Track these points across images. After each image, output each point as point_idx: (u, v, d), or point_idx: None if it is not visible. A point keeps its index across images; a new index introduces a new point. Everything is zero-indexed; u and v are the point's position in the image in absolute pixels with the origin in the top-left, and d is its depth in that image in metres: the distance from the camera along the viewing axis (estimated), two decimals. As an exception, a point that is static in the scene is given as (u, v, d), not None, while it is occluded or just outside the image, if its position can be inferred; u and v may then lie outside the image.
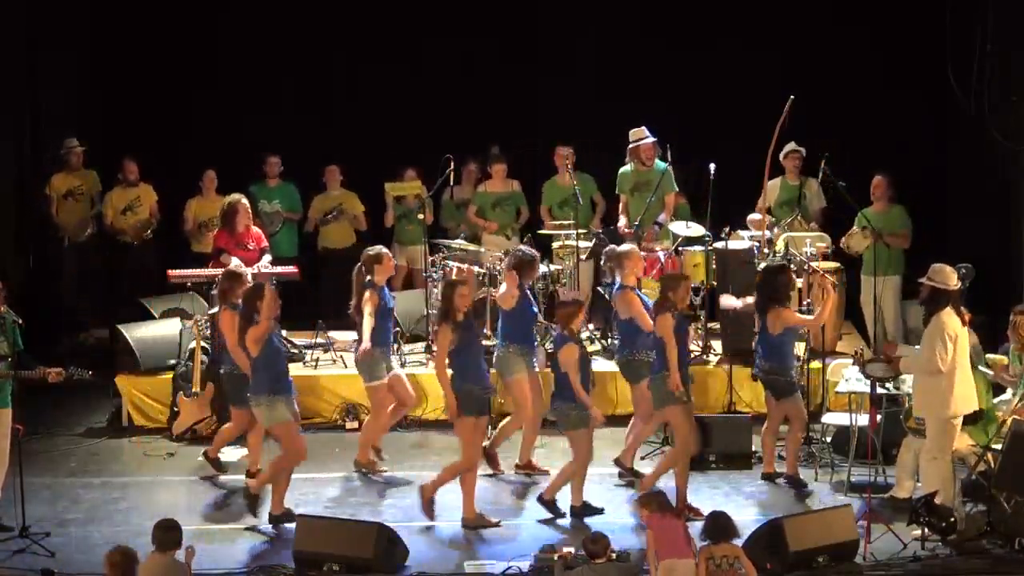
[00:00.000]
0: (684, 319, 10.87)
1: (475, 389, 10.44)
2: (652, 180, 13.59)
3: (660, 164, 13.64)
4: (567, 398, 10.47)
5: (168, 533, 8.69)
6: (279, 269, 13.35)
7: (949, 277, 10.31)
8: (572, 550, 9.32)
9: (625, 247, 11.73)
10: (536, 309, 11.79)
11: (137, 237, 14.78)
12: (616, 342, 11.73)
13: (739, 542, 9.24)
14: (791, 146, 13.95)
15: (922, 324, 10.50)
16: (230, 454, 12.12)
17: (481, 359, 10.63)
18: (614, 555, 9.07)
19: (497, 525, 10.52)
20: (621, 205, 13.94)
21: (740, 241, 13.34)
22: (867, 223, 13.22)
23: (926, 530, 9.92)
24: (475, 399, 10.45)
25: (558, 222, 13.97)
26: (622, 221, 13.77)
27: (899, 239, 13.47)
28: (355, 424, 12.65)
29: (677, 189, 13.83)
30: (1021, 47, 13.34)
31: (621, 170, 13.91)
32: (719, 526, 9.01)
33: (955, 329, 10.17)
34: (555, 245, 13.80)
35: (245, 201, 13.43)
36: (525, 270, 11.43)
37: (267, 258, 13.36)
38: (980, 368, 10.67)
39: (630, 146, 13.76)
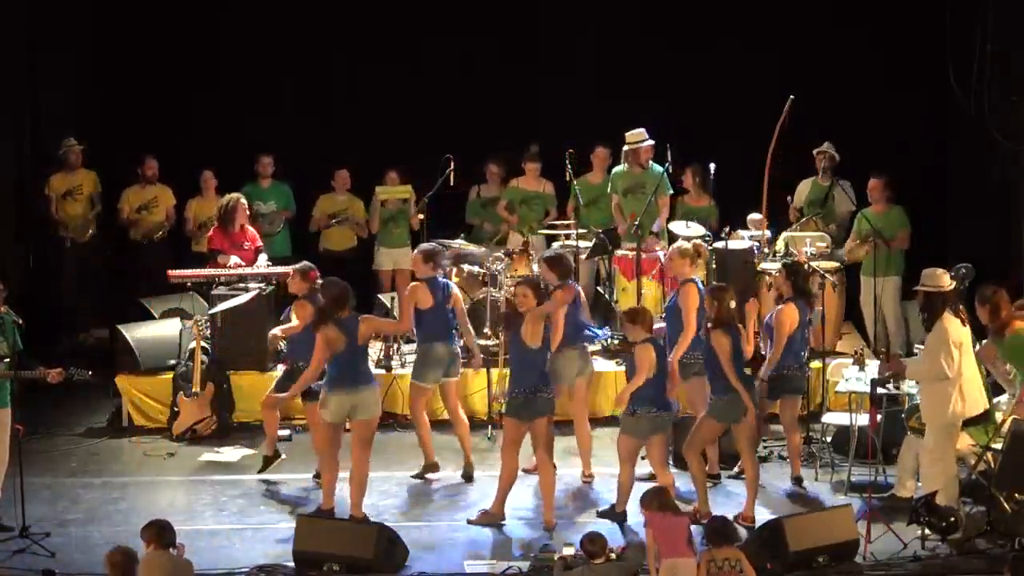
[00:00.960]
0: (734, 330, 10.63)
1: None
2: (646, 183, 13.53)
3: (656, 167, 13.57)
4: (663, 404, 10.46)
5: (165, 532, 8.71)
6: (279, 269, 13.36)
7: (941, 279, 10.33)
8: (572, 551, 9.33)
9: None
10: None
11: (148, 236, 14.80)
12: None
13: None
14: (824, 146, 13.98)
15: (922, 325, 10.53)
16: (230, 454, 12.13)
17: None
18: (613, 555, 9.08)
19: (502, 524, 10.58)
20: (613, 206, 13.90)
21: (740, 241, 13.34)
22: (868, 224, 13.21)
23: (926, 530, 9.93)
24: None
25: (565, 221, 14.00)
26: (622, 226, 13.73)
27: (898, 241, 13.47)
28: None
29: (672, 191, 13.81)
30: (1021, 47, 13.34)
31: (615, 170, 13.88)
32: (720, 530, 8.98)
33: (958, 334, 10.18)
34: (555, 244, 13.80)
35: (244, 201, 13.47)
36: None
37: (263, 258, 13.38)
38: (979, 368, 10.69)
39: (626, 148, 13.73)
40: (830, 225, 13.92)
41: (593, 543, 8.96)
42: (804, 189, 14.22)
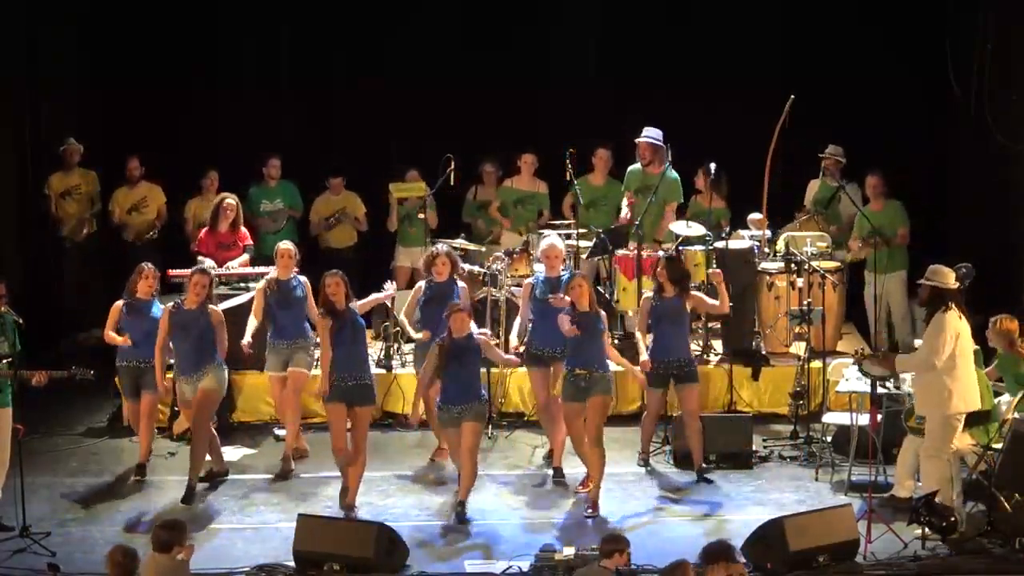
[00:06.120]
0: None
1: None
2: (656, 186, 13.43)
3: (672, 174, 13.50)
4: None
5: (170, 532, 8.68)
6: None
7: (947, 277, 10.35)
8: (572, 552, 9.31)
9: None
10: None
11: (140, 237, 14.80)
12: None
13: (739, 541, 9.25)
14: (830, 149, 13.97)
15: (923, 320, 10.55)
16: (230, 454, 12.13)
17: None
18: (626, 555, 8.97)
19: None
20: (625, 201, 13.82)
21: (740, 241, 13.34)
22: (868, 225, 13.20)
23: (926, 530, 9.94)
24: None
25: (568, 221, 13.98)
26: (623, 213, 13.67)
27: (898, 238, 13.46)
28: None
29: (682, 200, 13.71)
30: (1021, 47, 13.34)
31: (630, 168, 13.81)
32: (722, 549, 8.78)
33: (957, 327, 10.20)
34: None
35: (231, 201, 13.52)
36: None
37: (245, 256, 13.42)
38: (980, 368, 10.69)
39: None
40: (832, 226, 13.91)
41: (608, 543, 8.76)
42: (813, 188, 14.25)
